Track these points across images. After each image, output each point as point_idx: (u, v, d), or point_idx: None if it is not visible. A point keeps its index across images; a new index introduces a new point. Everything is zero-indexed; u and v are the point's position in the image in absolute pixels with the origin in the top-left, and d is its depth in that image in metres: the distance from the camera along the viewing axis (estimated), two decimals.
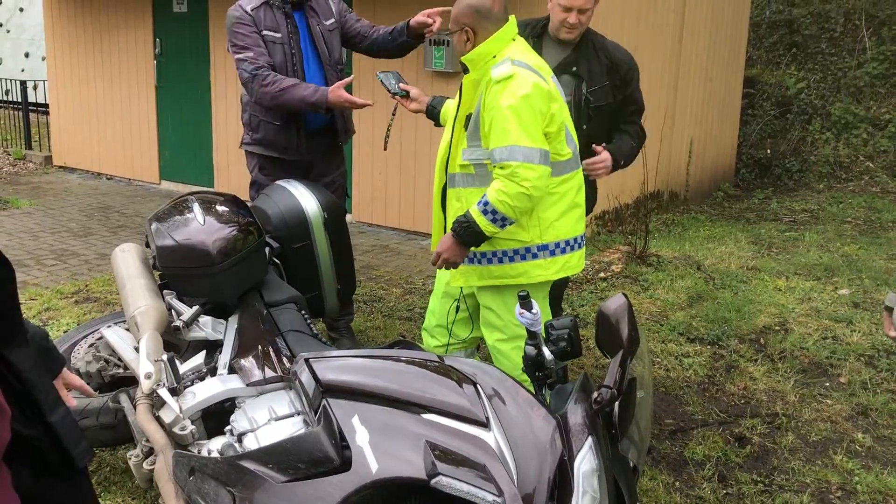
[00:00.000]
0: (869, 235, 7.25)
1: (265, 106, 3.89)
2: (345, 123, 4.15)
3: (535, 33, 3.54)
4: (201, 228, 2.94)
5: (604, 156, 3.44)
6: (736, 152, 9.74)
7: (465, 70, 2.95)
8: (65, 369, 1.73)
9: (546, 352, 2.31)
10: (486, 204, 2.83)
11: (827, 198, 8.87)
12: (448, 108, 3.37)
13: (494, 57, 2.87)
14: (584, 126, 3.50)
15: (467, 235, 2.90)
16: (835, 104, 10.32)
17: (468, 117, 2.94)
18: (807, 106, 10.38)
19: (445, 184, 3.13)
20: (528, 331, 2.32)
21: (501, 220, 2.85)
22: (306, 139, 4.01)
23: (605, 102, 3.54)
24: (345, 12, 4.11)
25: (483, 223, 2.84)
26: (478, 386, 2.14)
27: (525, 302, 2.31)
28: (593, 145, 3.45)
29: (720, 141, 9.22)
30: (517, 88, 2.79)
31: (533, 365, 2.31)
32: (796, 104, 10.41)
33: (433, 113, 3.44)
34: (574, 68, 3.48)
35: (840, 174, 9.67)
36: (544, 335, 2.33)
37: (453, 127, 3.04)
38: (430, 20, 3.83)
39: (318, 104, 3.73)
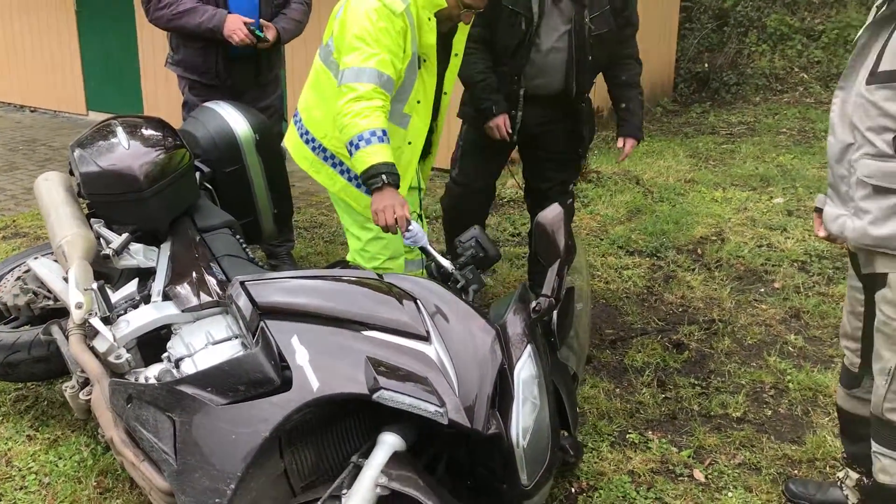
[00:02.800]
0: (803, 145, 7.37)
1: (160, 28, 3.79)
2: (269, 60, 3.99)
3: None
4: (126, 153, 2.84)
5: (629, 144, 3.64)
6: (674, 67, 9.74)
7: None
8: None
9: (444, 262, 2.37)
10: None
11: (763, 110, 8.97)
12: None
13: None
14: (590, 57, 3.38)
15: None
16: (770, 15, 10.35)
17: None
18: (743, 18, 10.38)
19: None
20: (421, 249, 2.42)
21: None
22: (228, 65, 3.85)
23: (607, 29, 3.37)
24: None
25: None
26: (418, 301, 2.14)
27: None
28: (619, 141, 3.63)
29: (658, 56, 9.19)
30: None
31: (441, 279, 2.36)
32: (733, 16, 10.39)
33: None
34: None
35: (776, 86, 9.76)
36: (453, 252, 2.41)
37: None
38: None
39: (216, 30, 3.65)
